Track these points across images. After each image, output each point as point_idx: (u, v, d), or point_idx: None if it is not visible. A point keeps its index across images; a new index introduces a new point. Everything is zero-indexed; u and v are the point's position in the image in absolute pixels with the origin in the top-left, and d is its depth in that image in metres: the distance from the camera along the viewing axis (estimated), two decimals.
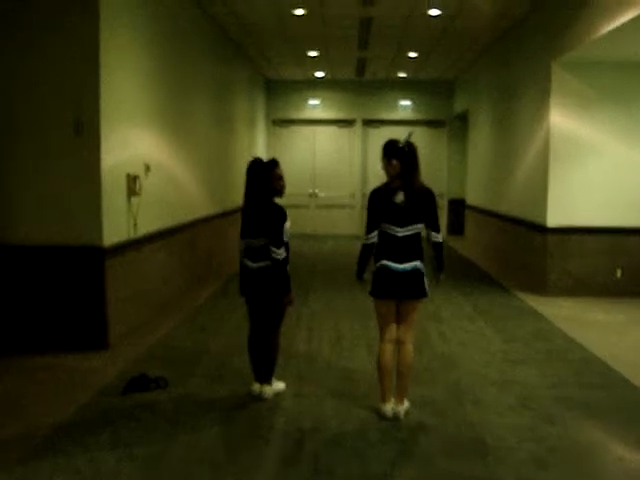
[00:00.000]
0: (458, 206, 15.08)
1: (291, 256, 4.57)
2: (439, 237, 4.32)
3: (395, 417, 4.28)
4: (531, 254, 8.86)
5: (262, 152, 14.57)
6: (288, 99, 15.73)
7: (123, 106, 6.07)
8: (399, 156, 4.23)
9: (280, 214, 4.46)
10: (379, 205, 4.28)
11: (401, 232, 4.23)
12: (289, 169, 4.56)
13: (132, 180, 6.20)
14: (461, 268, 10.73)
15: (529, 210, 9.02)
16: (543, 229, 8.36)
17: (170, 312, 7.17)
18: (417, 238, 4.27)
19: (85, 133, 5.51)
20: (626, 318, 7.23)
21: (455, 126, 15.45)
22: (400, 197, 4.21)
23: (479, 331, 6.57)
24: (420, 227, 4.27)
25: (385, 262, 4.26)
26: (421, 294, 4.30)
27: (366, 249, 4.36)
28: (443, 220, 15.42)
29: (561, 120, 8.16)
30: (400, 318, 4.35)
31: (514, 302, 8.00)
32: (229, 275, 9.54)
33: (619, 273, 8.26)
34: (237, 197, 11.11)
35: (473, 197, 13.23)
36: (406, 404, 4.38)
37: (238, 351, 5.51)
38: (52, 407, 4.42)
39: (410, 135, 4.31)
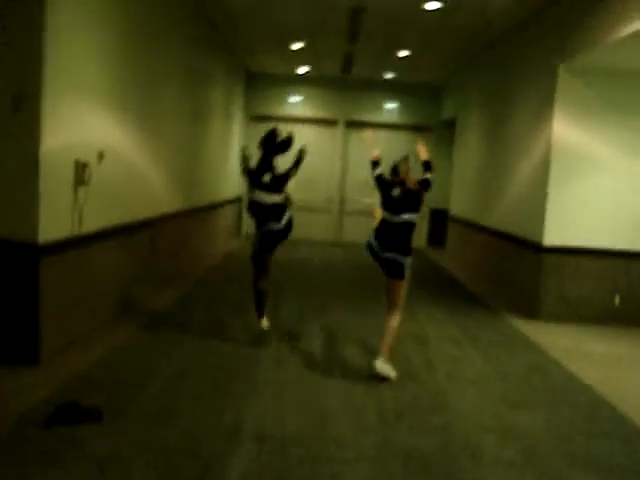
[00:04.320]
0: (440, 216, 14.36)
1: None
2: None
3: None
4: (523, 274, 8.15)
5: (237, 148, 13.72)
6: (268, 94, 14.86)
7: (73, 83, 5.19)
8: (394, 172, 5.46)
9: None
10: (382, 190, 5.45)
11: (394, 219, 5.22)
12: None
13: (81, 168, 5.34)
14: (443, 284, 9.99)
15: (523, 226, 8.31)
16: (538, 248, 7.66)
17: (121, 323, 6.28)
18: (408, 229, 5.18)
19: (24, 110, 4.65)
20: (628, 351, 6.55)
21: (441, 132, 14.71)
22: (396, 192, 5.33)
23: (468, 360, 5.81)
24: (414, 217, 5.23)
25: (373, 241, 5.30)
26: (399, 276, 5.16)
27: None
28: (423, 229, 14.69)
29: (565, 130, 7.47)
30: (387, 292, 5.25)
31: (504, 327, 7.26)
32: (196, 279, 8.69)
33: (618, 300, 7.60)
34: (206, 193, 10.29)
35: (458, 208, 12.52)
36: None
37: (191, 383, 4.68)
38: None
39: (406, 158, 5.66)
